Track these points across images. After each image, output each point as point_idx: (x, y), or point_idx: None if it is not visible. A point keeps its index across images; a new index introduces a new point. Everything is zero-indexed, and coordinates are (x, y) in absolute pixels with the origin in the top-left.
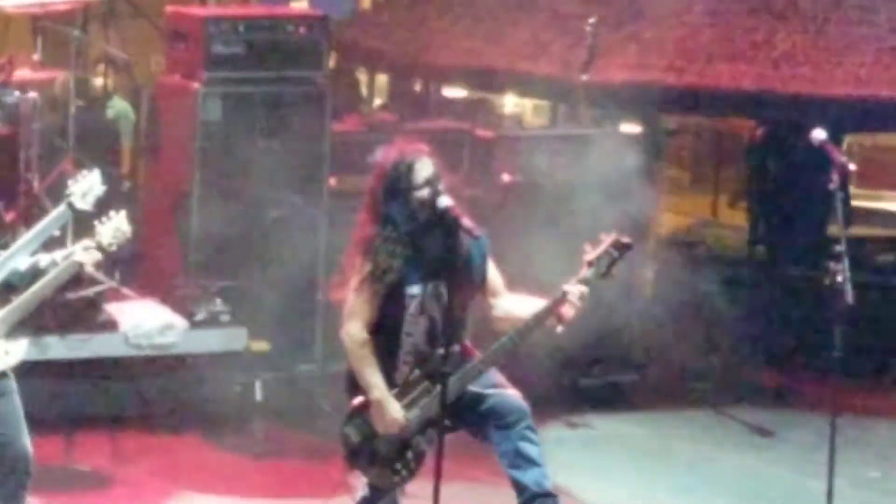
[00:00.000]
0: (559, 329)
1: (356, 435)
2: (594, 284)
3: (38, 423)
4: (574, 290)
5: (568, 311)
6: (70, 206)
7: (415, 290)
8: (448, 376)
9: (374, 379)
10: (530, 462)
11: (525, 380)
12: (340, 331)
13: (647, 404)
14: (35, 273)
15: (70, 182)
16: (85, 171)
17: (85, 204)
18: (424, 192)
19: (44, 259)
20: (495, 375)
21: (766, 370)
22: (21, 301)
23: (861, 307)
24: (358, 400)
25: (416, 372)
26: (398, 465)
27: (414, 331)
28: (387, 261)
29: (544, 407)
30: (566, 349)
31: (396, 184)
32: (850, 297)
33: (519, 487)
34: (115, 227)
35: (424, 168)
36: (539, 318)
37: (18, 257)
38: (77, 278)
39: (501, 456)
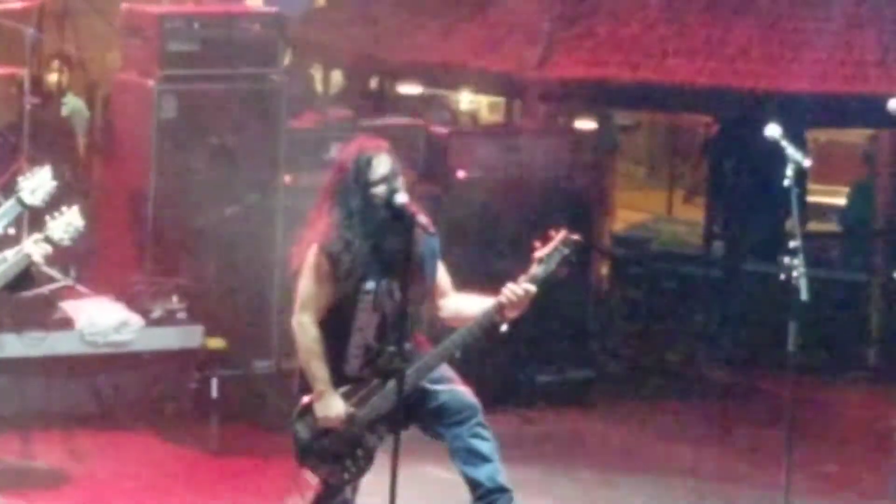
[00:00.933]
0: (504, 328)
1: (306, 431)
2: (548, 281)
3: None
4: (517, 289)
5: (511, 310)
6: (19, 200)
7: (370, 285)
8: (402, 372)
9: (320, 373)
10: (483, 458)
11: (480, 376)
12: (292, 320)
13: (602, 400)
14: None
15: (20, 178)
16: (36, 168)
17: (35, 199)
18: (381, 189)
19: None
20: (446, 371)
21: (722, 366)
22: None
23: (817, 303)
24: (308, 397)
25: (366, 369)
26: (348, 462)
27: (365, 326)
28: (347, 259)
29: (500, 404)
30: (522, 345)
31: (354, 179)
32: (805, 293)
33: (473, 484)
34: (67, 221)
35: (382, 164)
36: (487, 316)
37: None
38: (32, 277)
39: (454, 453)
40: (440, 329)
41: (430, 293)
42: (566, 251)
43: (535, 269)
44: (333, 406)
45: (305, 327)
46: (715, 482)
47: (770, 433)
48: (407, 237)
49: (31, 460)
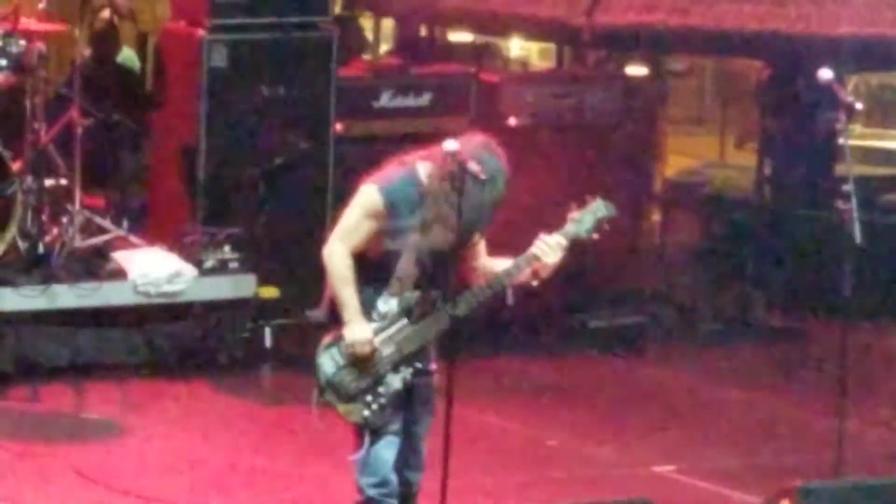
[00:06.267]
0: (534, 283)
1: (329, 365)
2: (578, 241)
3: (47, 372)
4: (549, 240)
5: (545, 267)
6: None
7: (414, 237)
8: (437, 313)
9: (351, 300)
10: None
11: (532, 321)
12: (325, 247)
13: (654, 346)
14: None
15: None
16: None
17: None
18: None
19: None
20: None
21: (775, 311)
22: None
23: (869, 246)
24: (335, 331)
25: (396, 308)
26: (369, 398)
27: (404, 276)
28: (401, 208)
29: (552, 350)
30: (574, 291)
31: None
32: (858, 236)
33: (409, 483)
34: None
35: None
36: (519, 266)
37: None
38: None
39: (411, 437)
40: None
41: (463, 258)
42: (600, 215)
43: (568, 227)
44: (362, 330)
45: (339, 254)
46: (768, 428)
47: (824, 378)
48: (459, 182)
49: (84, 411)
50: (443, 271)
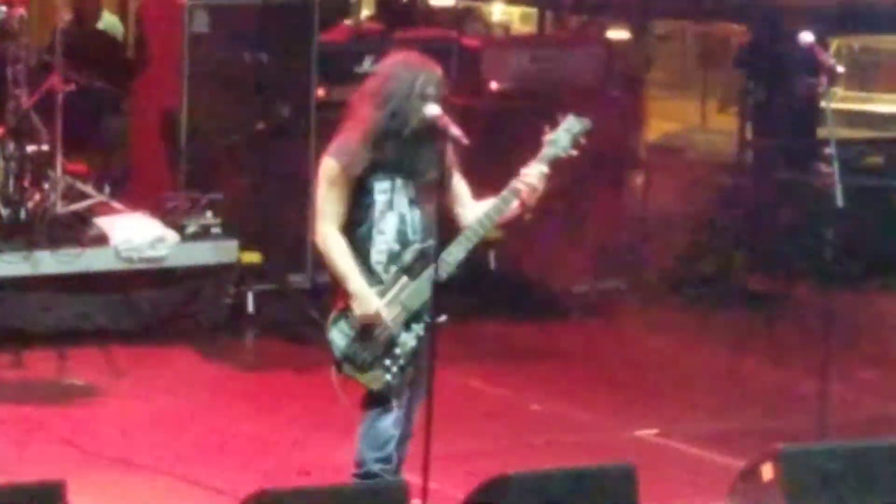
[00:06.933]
0: (527, 217)
1: (341, 339)
2: (558, 161)
3: (30, 338)
4: (532, 170)
5: (530, 194)
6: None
7: (385, 184)
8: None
9: (352, 272)
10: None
11: (514, 287)
12: (315, 236)
13: (636, 311)
14: None
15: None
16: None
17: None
18: (421, 106)
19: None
20: None
21: (757, 274)
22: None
23: (851, 210)
24: (339, 303)
25: (393, 269)
26: (388, 362)
27: (385, 228)
28: (358, 160)
29: (533, 315)
30: (555, 256)
31: (401, 92)
32: (840, 199)
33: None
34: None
35: (433, 83)
36: (506, 200)
37: None
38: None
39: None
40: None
41: (449, 204)
42: (574, 132)
43: (546, 151)
44: (371, 301)
45: (329, 235)
46: (750, 391)
47: (806, 341)
48: (439, 148)
49: (68, 377)
50: (428, 220)
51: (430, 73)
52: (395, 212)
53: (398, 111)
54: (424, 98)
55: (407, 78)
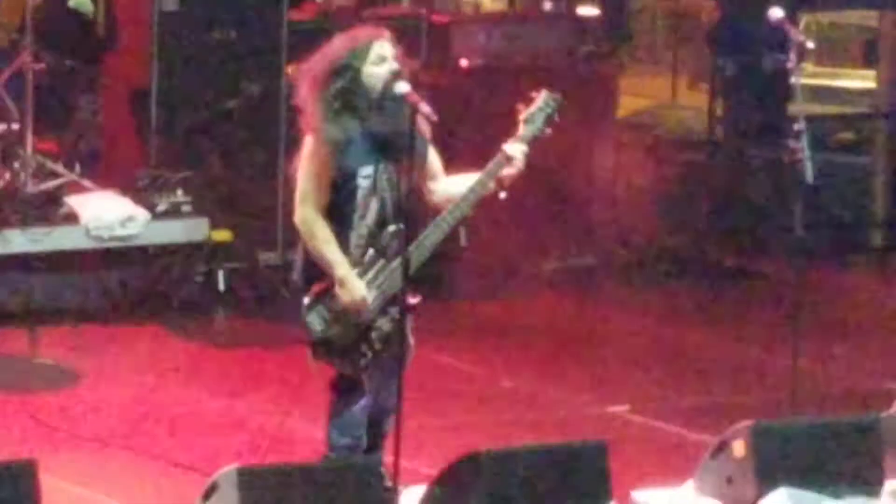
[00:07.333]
0: (502, 195)
1: (318, 322)
2: (536, 140)
3: (0, 317)
4: (513, 148)
5: (509, 171)
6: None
7: (367, 170)
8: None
9: (337, 257)
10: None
11: (485, 264)
12: (294, 216)
13: (607, 288)
14: None
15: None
16: None
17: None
18: (380, 70)
19: None
20: None
21: (728, 250)
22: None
23: (821, 185)
24: (316, 287)
25: (370, 252)
26: (364, 347)
27: (367, 212)
28: (343, 146)
29: (504, 292)
30: (526, 233)
31: (348, 61)
32: (810, 175)
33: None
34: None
35: (382, 49)
36: (484, 182)
37: None
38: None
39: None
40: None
41: (421, 179)
42: (549, 109)
43: (523, 130)
44: (358, 288)
45: (310, 218)
46: (721, 367)
47: (777, 317)
48: (410, 125)
49: (39, 357)
50: (404, 201)
51: (376, 37)
52: (377, 196)
53: (358, 77)
54: (381, 60)
55: (355, 46)
